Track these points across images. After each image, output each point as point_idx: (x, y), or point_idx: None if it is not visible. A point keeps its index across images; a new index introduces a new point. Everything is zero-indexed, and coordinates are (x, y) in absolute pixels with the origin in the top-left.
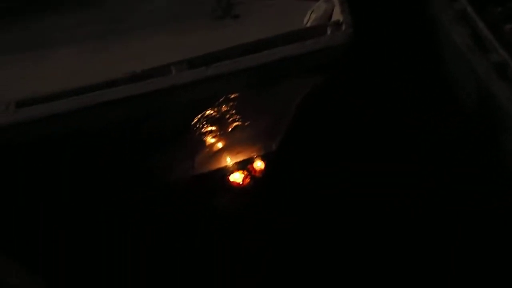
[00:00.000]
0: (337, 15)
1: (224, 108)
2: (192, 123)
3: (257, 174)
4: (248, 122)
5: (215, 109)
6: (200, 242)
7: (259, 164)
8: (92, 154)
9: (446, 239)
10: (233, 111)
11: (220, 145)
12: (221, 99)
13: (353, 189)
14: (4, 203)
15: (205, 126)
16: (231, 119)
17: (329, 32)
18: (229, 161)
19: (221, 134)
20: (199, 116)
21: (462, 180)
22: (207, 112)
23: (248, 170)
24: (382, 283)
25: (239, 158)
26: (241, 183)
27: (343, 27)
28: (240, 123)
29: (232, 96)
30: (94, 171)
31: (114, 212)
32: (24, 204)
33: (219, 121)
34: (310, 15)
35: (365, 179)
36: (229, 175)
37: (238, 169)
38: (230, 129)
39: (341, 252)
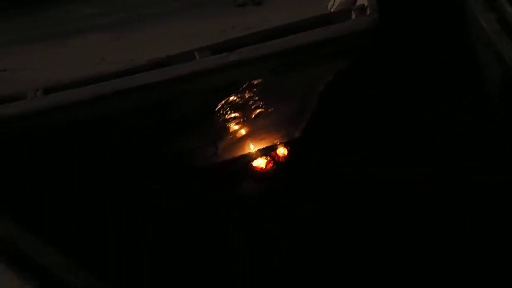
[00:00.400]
0: (362, 0)
1: (247, 94)
2: (216, 109)
3: (280, 161)
4: (271, 109)
5: (238, 95)
6: (217, 229)
7: (282, 151)
8: (116, 140)
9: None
10: (256, 98)
11: (243, 131)
12: (244, 85)
13: (373, 176)
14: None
15: (229, 112)
16: (254, 106)
17: (353, 17)
18: (252, 147)
19: (244, 120)
20: (223, 102)
21: (477, 171)
22: (230, 99)
23: (271, 157)
24: (399, 271)
25: (262, 145)
26: (264, 169)
27: (368, 12)
28: (263, 109)
29: (255, 82)
30: (118, 157)
31: (135, 198)
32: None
33: (242, 108)
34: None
35: (385, 168)
36: (252, 161)
37: (261, 156)
38: (253, 116)
39: (360, 240)
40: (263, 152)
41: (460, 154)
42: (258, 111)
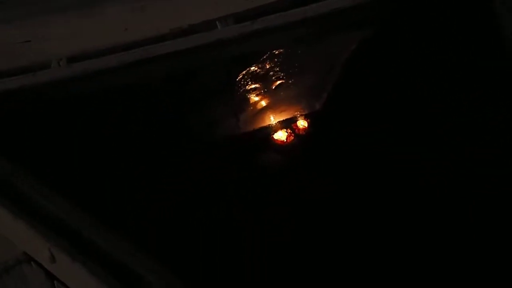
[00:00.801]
0: None
1: (268, 65)
2: (236, 79)
3: (300, 133)
4: (292, 80)
5: (260, 65)
6: (234, 206)
7: (302, 123)
8: (137, 110)
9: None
10: (277, 69)
11: (263, 103)
12: (266, 55)
13: (389, 153)
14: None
15: (249, 83)
16: (275, 77)
17: None
18: (272, 119)
19: (265, 92)
20: (244, 72)
21: (482, 164)
22: (252, 69)
23: (291, 129)
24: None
25: (283, 116)
26: (284, 141)
27: None
28: (284, 81)
29: (277, 52)
30: (139, 127)
31: (153, 170)
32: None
33: (263, 78)
34: None
35: (400, 146)
36: (273, 133)
37: (281, 128)
38: (274, 87)
39: (369, 222)
40: (284, 124)
41: (468, 144)
42: (278, 82)
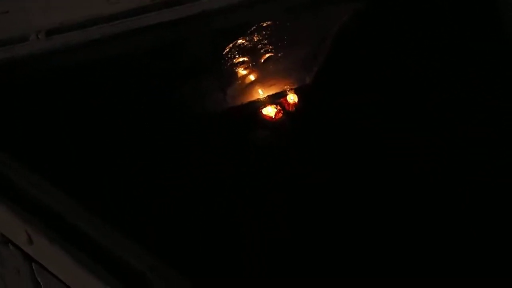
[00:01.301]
0: None
1: (256, 37)
2: (223, 53)
3: (290, 108)
4: (281, 53)
5: (247, 38)
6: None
7: (292, 98)
8: (120, 84)
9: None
10: (266, 41)
11: (252, 77)
12: (253, 28)
13: (382, 126)
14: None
15: (237, 56)
16: (263, 50)
17: None
18: (261, 93)
19: (253, 65)
20: (230, 45)
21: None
22: (239, 42)
23: (280, 104)
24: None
25: (272, 91)
26: (273, 116)
27: None
28: (272, 54)
29: (265, 24)
30: (123, 101)
31: (141, 145)
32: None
33: (251, 52)
34: None
35: (392, 122)
36: (261, 108)
37: (270, 102)
38: (262, 60)
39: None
40: (273, 99)
41: (457, 121)
42: (267, 55)
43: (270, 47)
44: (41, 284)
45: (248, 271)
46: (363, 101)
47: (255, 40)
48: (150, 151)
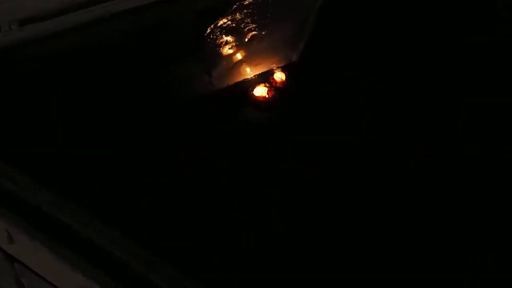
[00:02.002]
0: None
1: (238, 16)
2: (206, 33)
3: (278, 86)
4: (265, 31)
5: (229, 17)
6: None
7: (279, 76)
8: (101, 73)
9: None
10: (249, 20)
11: (237, 57)
12: (235, 6)
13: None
14: None
15: (220, 36)
16: (247, 29)
17: None
18: (248, 73)
19: (237, 45)
20: (212, 26)
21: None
22: (221, 22)
23: (269, 83)
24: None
25: (259, 70)
26: (261, 96)
27: None
28: (256, 32)
29: (246, 2)
30: (104, 91)
31: (124, 136)
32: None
33: (235, 31)
34: None
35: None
36: (248, 88)
37: (257, 82)
38: (246, 39)
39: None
40: (260, 78)
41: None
42: (251, 34)
43: (254, 25)
44: (24, 284)
45: (242, 266)
46: (350, 74)
47: (238, 19)
48: (134, 142)
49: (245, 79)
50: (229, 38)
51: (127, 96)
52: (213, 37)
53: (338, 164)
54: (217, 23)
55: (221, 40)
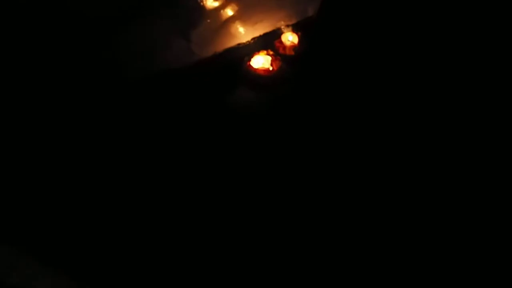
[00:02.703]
0: None
1: None
2: None
3: (287, 53)
4: None
5: None
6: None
7: (290, 38)
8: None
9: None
10: None
11: (228, 12)
12: None
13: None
14: None
15: None
16: None
17: None
18: (242, 34)
19: None
20: None
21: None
22: None
23: (273, 49)
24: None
25: (258, 31)
26: (262, 70)
27: None
28: None
29: None
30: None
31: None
32: None
33: None
34: None
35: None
36: (242, 58)
37: (255, 48)
38: None
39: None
40: (259, 42)
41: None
42: None
43: None
44: None
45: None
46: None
47: None
48: (93, 127)
49: (237, 45)
50: None
51: (78, 64)
52: None
53: (338, 164)
54: None
55: None
